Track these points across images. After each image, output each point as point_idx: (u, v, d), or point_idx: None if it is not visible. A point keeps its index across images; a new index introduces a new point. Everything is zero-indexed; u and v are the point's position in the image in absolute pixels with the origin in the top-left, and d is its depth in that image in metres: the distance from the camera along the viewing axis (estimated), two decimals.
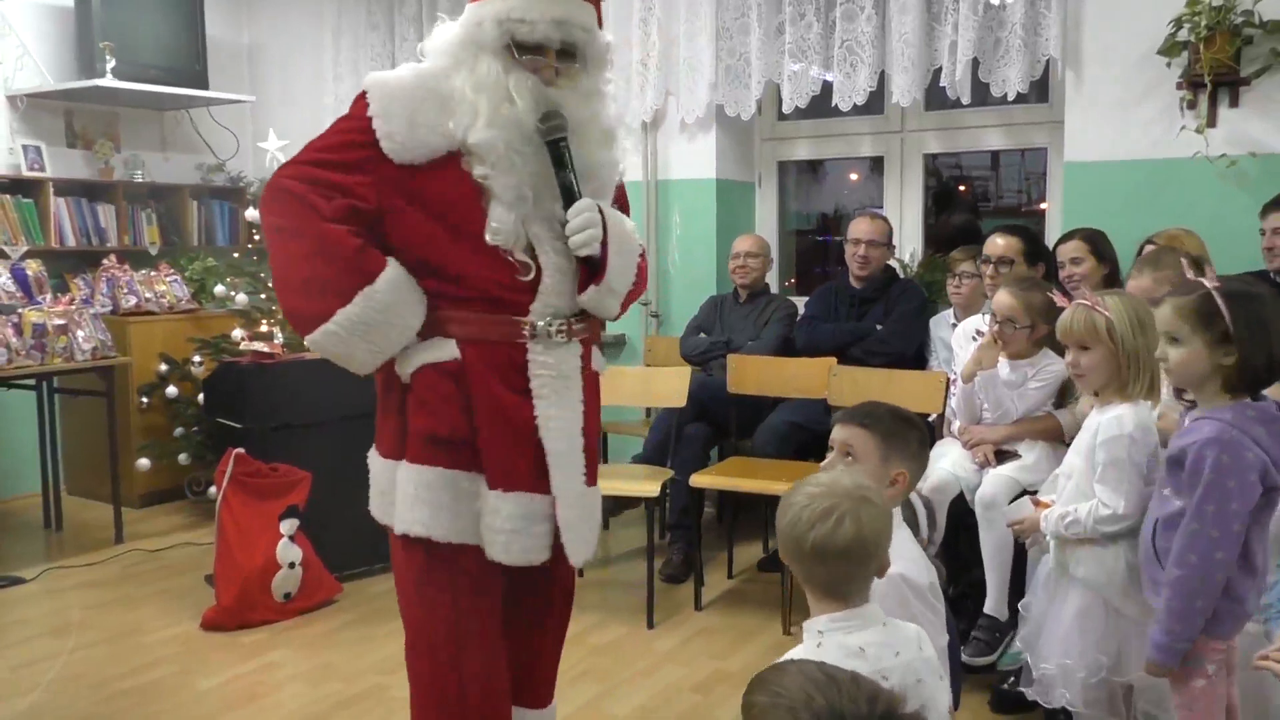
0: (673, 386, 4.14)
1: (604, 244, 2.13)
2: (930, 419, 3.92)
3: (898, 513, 2.17)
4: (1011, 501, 3.03)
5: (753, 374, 4.27)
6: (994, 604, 3.07)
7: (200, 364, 5.02)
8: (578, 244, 2.10)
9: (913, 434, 2.24)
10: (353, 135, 2.07)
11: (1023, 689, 2.50)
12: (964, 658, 2.96)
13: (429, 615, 2.16)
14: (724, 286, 4.95)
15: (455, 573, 2.14)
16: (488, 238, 2.06)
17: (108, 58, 5.18)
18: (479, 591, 2.16)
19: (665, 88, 5.07)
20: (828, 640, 1.68)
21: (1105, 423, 2.37)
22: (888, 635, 1.71)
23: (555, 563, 2.20)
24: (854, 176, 5.66)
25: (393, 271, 2.06)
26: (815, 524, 1.68)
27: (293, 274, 2.07)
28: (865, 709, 1.26)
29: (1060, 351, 2.76)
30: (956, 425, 3.50)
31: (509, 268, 2.09)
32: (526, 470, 2.12)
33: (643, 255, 2.31)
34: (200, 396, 4.83)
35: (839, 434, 2.24)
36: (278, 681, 3.30)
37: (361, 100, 2.09)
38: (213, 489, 4.30)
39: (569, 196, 2.09)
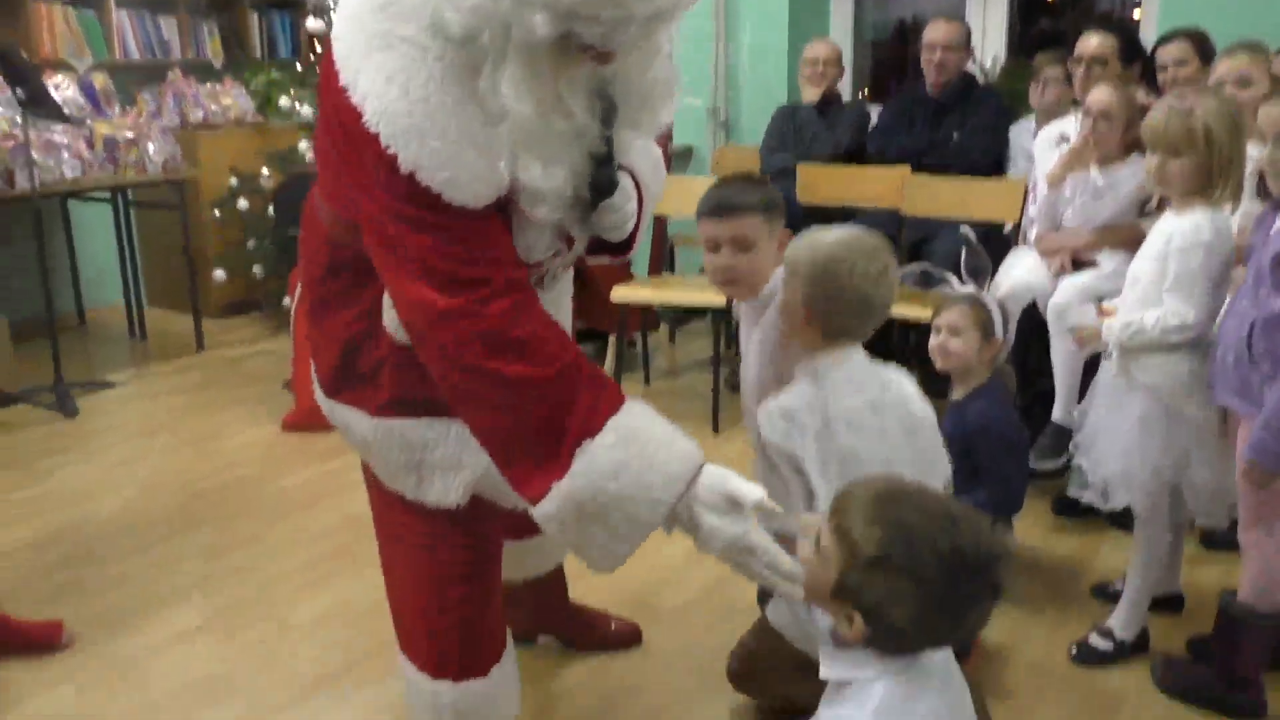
0: None
1: (637, 223, 1.81)
2: (1006, 231, 3.82)
3: None
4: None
5: (823, 183, 4.17)
6: (1062, 411, 3.04)
7: (269, 177, 5.05)
8: (609, 229, 1.73)
9: (775, 191, 2.09)
10: (405, 208, 1.53)
11: (1073, 494, 2.50)
12: (1031, 463, 2.96)
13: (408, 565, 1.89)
14: (794, 96, 4.78)
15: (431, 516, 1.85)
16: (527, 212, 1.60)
17: None
18: (474, 533, 1.88)
19: None
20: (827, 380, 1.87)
21: (1182, 229, 2.27)
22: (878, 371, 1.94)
23: None
24: None
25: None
26: (877, 279, 1.84)
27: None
28: (985, 549, 1.26)
29: None
30: (1034, 233, 3.40)
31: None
32: None
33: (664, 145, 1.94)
34: (270, 209, 4.88)
35: (719, 228, 2.01)
36: (355, 480, 3.41)
37: (376, 148, 1.50)
38: (286, 299, 4.39)
39: (603, 189, 1.64)
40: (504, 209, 1.60)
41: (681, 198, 4.27)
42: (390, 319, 1.74)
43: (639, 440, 1.54)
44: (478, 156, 1.51)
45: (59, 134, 4.37)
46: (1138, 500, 2.34)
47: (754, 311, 2.08)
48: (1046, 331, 3.11)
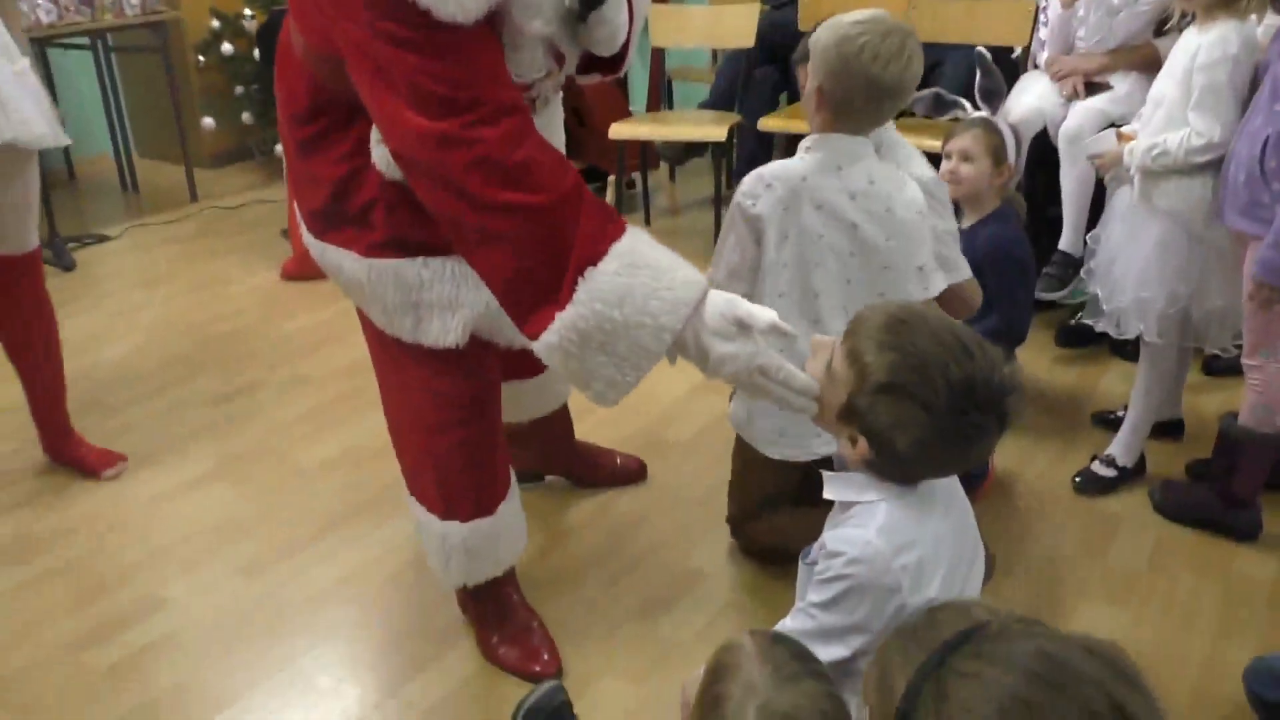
0: (740, 25, 3.92)
1: (628, 38, 1.76)
2: (1014, 56, 3.69)
3: None
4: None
5: (827, 5, 3.99)
6: (1069, 240, 3.00)
7: (252, 17, 4.86)
8: (600, 41, 1.69)
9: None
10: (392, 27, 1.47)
11: (1088, 320, 2.49)
12: (1036, 293, 2.94)
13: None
14: None
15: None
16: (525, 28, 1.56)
17: None
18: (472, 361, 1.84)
19: None
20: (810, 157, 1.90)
21: (1208, 44, 2.18)
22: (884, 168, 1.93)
23: None
24: None
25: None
26: (889, 60, 1.77)
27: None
28: (997, 380, 1.23)
29: None
30: (1044, 57, 3.28)
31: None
32: None
33: None
34: (255, 52, 4.72)
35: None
36: (356, 325, 3.40)
37: None
38: (279, 146, 4.29)
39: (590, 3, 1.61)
40: (494, 26, 1.53)
41: (679, 28, 4.14)
42: (380, 155, 1.68)
43: (643, 266, 1.51)
44: None
45: None
46: (1150, 327, 2.32)
47: None
48: (1055, 159, 3.03)
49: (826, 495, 1.38)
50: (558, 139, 1.98)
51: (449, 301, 1.75)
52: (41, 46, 4.72)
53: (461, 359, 1.81)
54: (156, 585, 2.21)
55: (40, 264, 2.51)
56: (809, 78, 1.87)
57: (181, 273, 3.97)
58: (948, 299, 2.01)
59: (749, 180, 1.91)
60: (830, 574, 1.28)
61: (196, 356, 3.26)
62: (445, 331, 1.78)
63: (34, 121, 2.27)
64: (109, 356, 3.26)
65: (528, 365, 2.06)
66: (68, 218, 4.46)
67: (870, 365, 1.26)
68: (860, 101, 1.83)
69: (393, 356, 1.87)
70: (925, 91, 2.61)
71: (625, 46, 1.77)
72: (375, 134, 1.67)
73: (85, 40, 4.69)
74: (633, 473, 2.55)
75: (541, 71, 1.67)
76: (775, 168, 1.92)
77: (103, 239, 4.34)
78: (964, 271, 2.10)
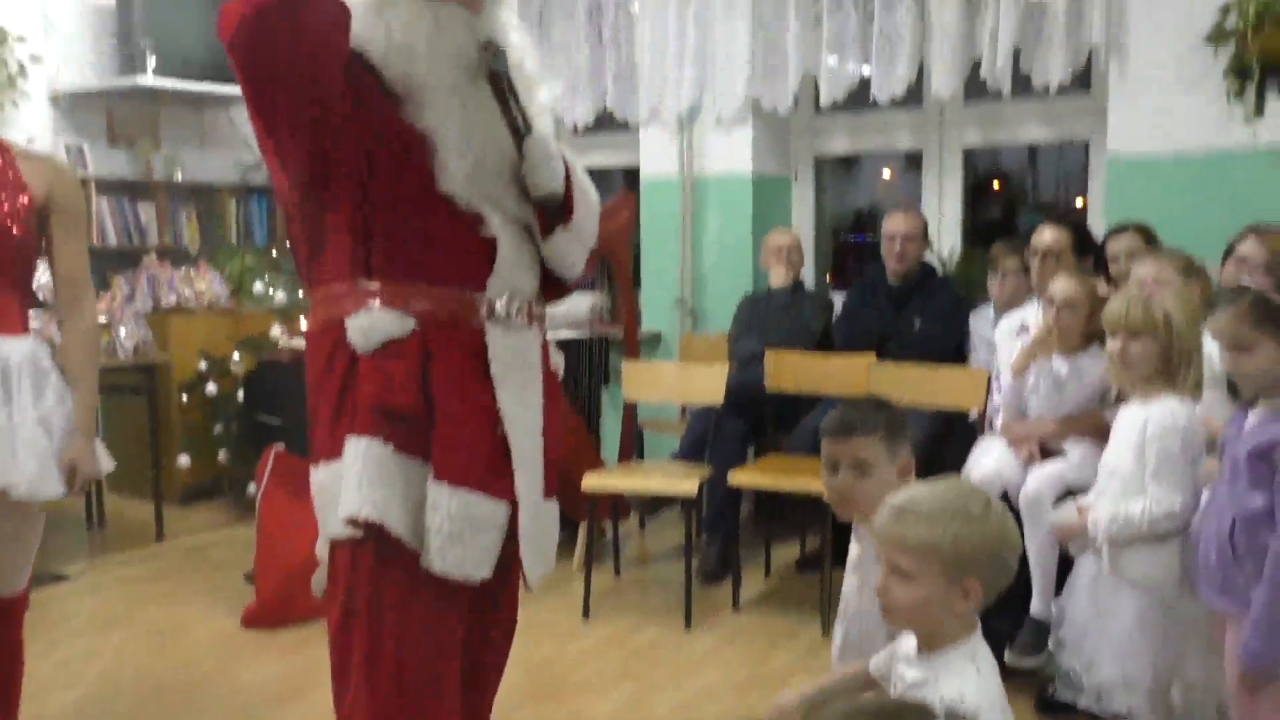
0: (710, 383, 4.11)
1: (567, 180, 1.92)
2: (971, 418, 3.88)
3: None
4: (1057, 501, 2.98)
5: (790, 370, 4.23)
6: (1040, 605, 3.01)
7: (240, 361, 5.06)
8: (539, 181, 1.87)
9: (898, 416, 2.08)
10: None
11: (1063, 698, 2.45)
12: (1007, 660, 2.92)
13: (376, 637, 1.80)
14: (760, 283, 4.91)
15: (413, 585, 1.80)
16: (441, 185, 1.80)
17: (149, 56, 5.22)
18: (438, 609, 1.83)
19: (701, 81, 5.03)
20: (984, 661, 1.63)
21: (1157, 415, 2.33)
22: None
23: (498, 590, 1.95)
24: (886, 174, 5.61)
25: None
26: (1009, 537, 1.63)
27: None
28: None
29: None
30: (999, 422, 3.45)
31: (463, 226, 1.84)
32: (481, 466, 1.82)
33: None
34: (240, 394, 4.87)
35: (834, 448, 2.03)
36: (320, 678, 3.29)
37: None
38: (251, 486, 4.33)
39: (520, 133, 1.85)
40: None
41: (651, 384, 4.34)
42: (353, 327, 1.80)
43: None
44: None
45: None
46: (1140, 706, 2.29)
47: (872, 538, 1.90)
48: (1018, 520, 3.12)
49: None
50: (535, 372, 1.97)
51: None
52: None
53: (439, 596, 1.82)
54: None
55: (23, 610, 2.45)
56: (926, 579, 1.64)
57: (138, 616, 3.86)
58: None
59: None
60: None
61: (150, 709, 3.11)
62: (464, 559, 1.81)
63: (34, 473, 2.35)
64: (56, 708, 3.10)
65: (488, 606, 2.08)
66: None
67: None
68: (996, 583, 1.65)
69: (364, 582, 1.81)
70: None
71: (569, 204, 1.93)
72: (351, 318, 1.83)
73: None
74: None
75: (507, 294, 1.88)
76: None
77: (60, 578, 4.26)
78: None
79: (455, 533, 1.77)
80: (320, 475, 1.84)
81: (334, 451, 1.80)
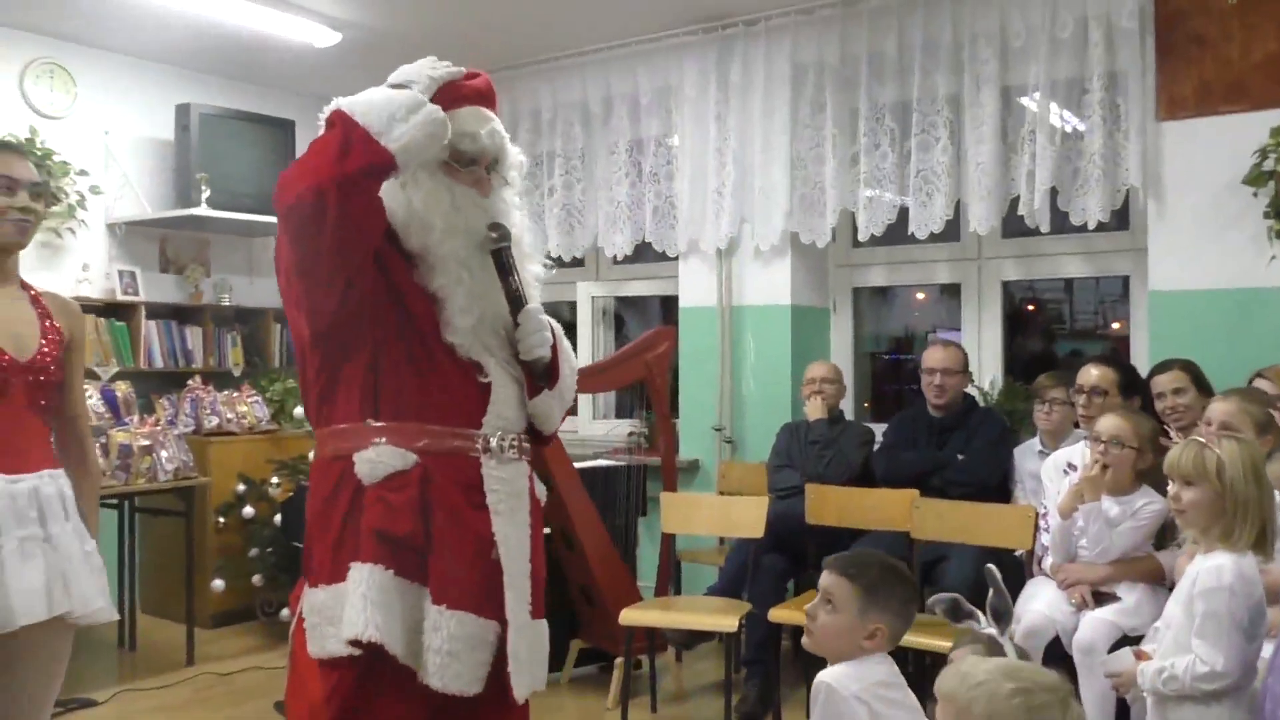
0: (751, 516, 4.06)
1: (554, 349, 2.21)
2: (1019, 554, 3.80)
3: None
4: (1111, 648, 2.89)
5: (832, 504, 4.18)
6: None
7: (278, 485, 5.07)
8: (531, 346, 2.15)
9: (899, 589, 2.19)
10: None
11: None
12: None
13: None
14: (798, 413, 4.90)
15: (397, 699, 2.01)
16: (446, 336, 2.08)
17: (204, 188, 5.39)
18: None
19: (740, 215, 5.12)
20: None
21: (1204, 572, 2.26)
22: None
23: (493, 702, 2.07)
24: (920, 296, 5.63)
25: None
26: None
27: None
28: None
29: (1162, 489, 2.66)
30: (1049, 563, 3.37)
31: (463, 371, 2.10)
32: (476, 589, 2.03)
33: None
34: (277, 517, 4.87)
35: (823, 580, 2.20)
36: None
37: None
38: (285, 611, 4.29)
39: (517, 303, 2.14)
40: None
41: (690, 516, 4.30)
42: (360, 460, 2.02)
43: None
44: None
45: None
46: None
47: None
48: (1072, 663, 3.02)
49: None
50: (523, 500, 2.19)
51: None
52: None
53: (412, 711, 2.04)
54: None
55: None
56: None
57: None
58: None
59: None
60: None
61: None
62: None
63: (91, 598, 2.39)
64: None
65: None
66: None
67: None
68: None
69: (342, 699, 2.05)
70: (947, 595, 2.65)
71: (554, 358, 2.19)
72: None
73: (114, 500, 4.86)
74: None
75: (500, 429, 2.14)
76: None
77: (89, 704, 4.20)
78: None
79: (454, 651, 1.98)
80: (320, 596, 2.05)
81: (336, 575, 2.02)
